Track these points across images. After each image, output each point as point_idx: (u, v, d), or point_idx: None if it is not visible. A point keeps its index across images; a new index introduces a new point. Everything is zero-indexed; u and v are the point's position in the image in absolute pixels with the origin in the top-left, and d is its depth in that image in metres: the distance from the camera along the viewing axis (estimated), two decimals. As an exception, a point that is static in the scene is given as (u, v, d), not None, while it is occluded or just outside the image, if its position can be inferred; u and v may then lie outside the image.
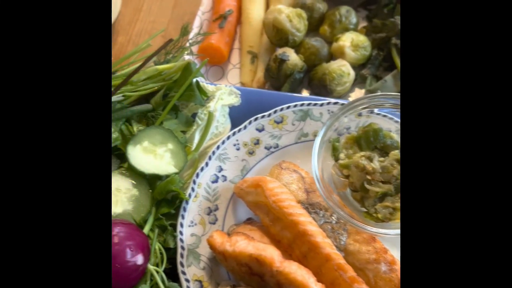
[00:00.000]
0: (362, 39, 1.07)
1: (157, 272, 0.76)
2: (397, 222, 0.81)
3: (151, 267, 0.76)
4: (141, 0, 1.32)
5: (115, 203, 0.82)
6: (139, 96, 0.92)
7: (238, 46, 1.18)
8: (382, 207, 0.84)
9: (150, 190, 0.84)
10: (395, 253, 0.83)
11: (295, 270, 0.67)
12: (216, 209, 0.86)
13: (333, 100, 0.95)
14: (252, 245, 0.71)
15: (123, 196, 0.84)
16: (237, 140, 0.92)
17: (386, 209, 0.84)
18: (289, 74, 1.03)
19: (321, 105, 0.95)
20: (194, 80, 0.92)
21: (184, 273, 0.78)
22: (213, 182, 0.88)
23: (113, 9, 1.22)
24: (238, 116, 0.97)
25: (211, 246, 0.75)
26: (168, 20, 1.30)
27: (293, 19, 1.06)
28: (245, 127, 0.93)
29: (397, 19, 1.07)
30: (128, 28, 1.28)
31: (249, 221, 0.84)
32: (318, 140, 0.84)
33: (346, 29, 1.10)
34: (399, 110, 0.89)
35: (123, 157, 0.87)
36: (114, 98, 0.88)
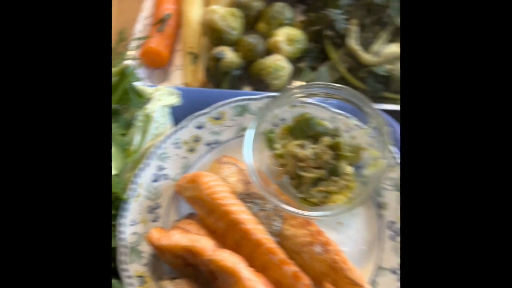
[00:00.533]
0: (296, 33, 1.11)
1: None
2: (331, 205, 0.85)
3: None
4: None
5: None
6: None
7: (180, 48, 1.21)
8: (316, 192, 0.87)
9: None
10: (333, 235, 0.86)
11: (226, 258, 0.70)
12: (158, 207, 0.89)
13: (270, 94, 0.98)
14: (186, 237, 0.74)
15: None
16: (177, 139, 0.95)
17: (320, 193, 0.87)
18: (227, 72, 1.06)
19: (259, 99, 0.99)
20: (131, 83, 0.94)
21: (125, 270, 0.80)
22: (154, 181, 0.90)
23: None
24: (182, 116, 0.99)
25: (149, 242, 0.78)
26: (113, 27, 1.31)
27: (227, 18, 1.09)
28: (184, 126, 0.96)
29: (329, 11, 1.11)
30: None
31: (189, 216, 0.86)
32: (248, 133, 0.87)
33: (282, 25, 1.14)
34: (332, 97, 0.93)
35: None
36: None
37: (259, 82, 1.07)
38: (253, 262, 0.74)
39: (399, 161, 0.88)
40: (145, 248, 0.83)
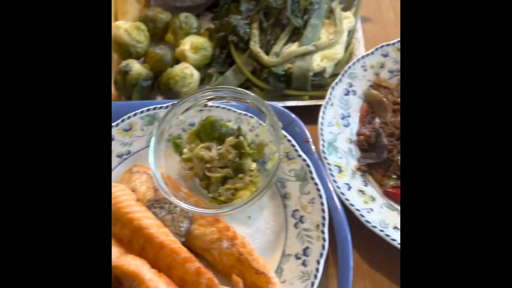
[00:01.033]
0: (201, 41, 1.15)
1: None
2: (238, 201, 0.89)
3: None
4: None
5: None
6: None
7: (93, 65, 1.22)
8: (224, 190, 0.92)
9: None
10: (243, 229, 0.91)
11: (129, 262, 0.73)
12: (71, 221, 0.90)
13: (176, 101, 1.02)
14: (92, 247, 0.76)
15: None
16: (87, 154, 0.96)
17: (228, 191, 0.92)
18: (135, 84, 1.08)
19: (166, 107, 1.02)
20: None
21: None
22: (65, 197, 0.92)
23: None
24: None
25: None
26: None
27: (131, 32, 1.12)
28: (94, 140, 0.97)
29: (232, 17, 1.16)
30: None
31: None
32: (152, 140, 0.90)
33: (188, 34, 1.18)
34: (235, 100, 0.98)
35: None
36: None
37: (169, 91, 1.10)
38: (158, 263, 0.77)
39: (300, 153, 0.93)
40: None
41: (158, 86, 1.13)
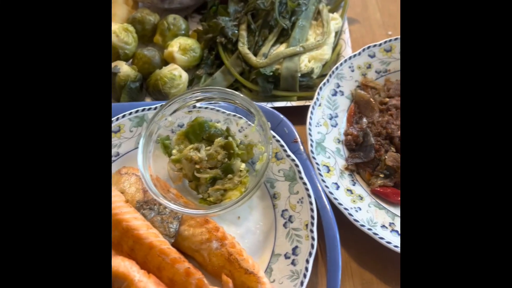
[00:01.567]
0: (190, 42, 1.16)
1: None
2: (228, 201, 0.89)
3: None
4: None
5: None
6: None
7: (81, 67, 1.22)
8: (213, 191, 0.92)
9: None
10: (233, 230, 0.91)
11: (118, 263, 0.73)
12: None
13: (164, 103, 1.02)
14: (81, 249, 0.76)
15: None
16: (75, 156, 0.96)
17: (217, 191, 0.92)
18: (123, 85, 1.08)
19: (155, 108, 1.02)
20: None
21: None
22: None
23: None
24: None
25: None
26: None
27: (120, 34, 1.12)
28: (82, 142, 0.97)
29: (220, 18, 1.16)
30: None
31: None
32: (141, 142, 0.90)
33: (176, 35, 1.18)
34: (223, 101, 0.98)
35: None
36: None
37: (158, 93, 1.10)
38: (148, 264, 0.77)
39: (289, 153, 0.94)
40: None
41: (147, 87, 1.14)
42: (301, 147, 0.98)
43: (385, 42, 1.10)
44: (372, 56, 1.10)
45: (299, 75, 1.10)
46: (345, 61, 1.08)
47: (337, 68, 1.07)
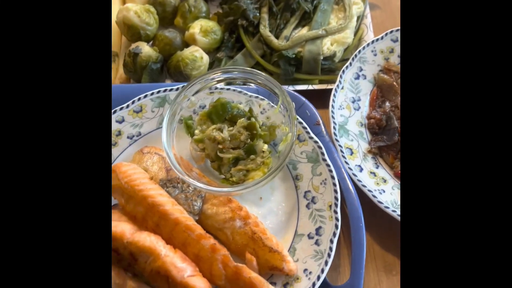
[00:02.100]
0: (211, 24, 1.15)
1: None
2: (250, 182, 0.89)
3: None
4: None
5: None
6: None
7: (101, 48, 1.22)
8: (236, 171, 0.92)
9: None
10: (255, 210, 0.91)
11: (144, 238, 0.73)
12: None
13: (186, 84, 1.02)
14: (106, 224, 0.76)
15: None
16: (98, 135, 0.96)
17: (239, 172, 0.92)
18: (145, 66, 1.08)
19: (176, 89, 1.02)
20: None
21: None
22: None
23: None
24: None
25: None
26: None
27: (141, 15, 1.12)
28: (104, 121, 0.97)
29: (241, 1, 1.16)
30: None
31: (112, 206, 0.88)
32: (164, 121, 0.90)
33: (197, 18, 1.18)
34: (247, 82, 0.98)
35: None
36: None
37: (179, 74, 1.10)
38: (173, 240, 0.77)
39: (312, 135, 0.94)
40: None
41: (168, 69, 1.13)
42: (324, 130, 0.97)
43: (409, 26, 1.09)
44: (395, 40, 1.09)
45: (321, 58, 1.09)
46: (368, 45, 1.08)
47: (359, 52, 1.06)
